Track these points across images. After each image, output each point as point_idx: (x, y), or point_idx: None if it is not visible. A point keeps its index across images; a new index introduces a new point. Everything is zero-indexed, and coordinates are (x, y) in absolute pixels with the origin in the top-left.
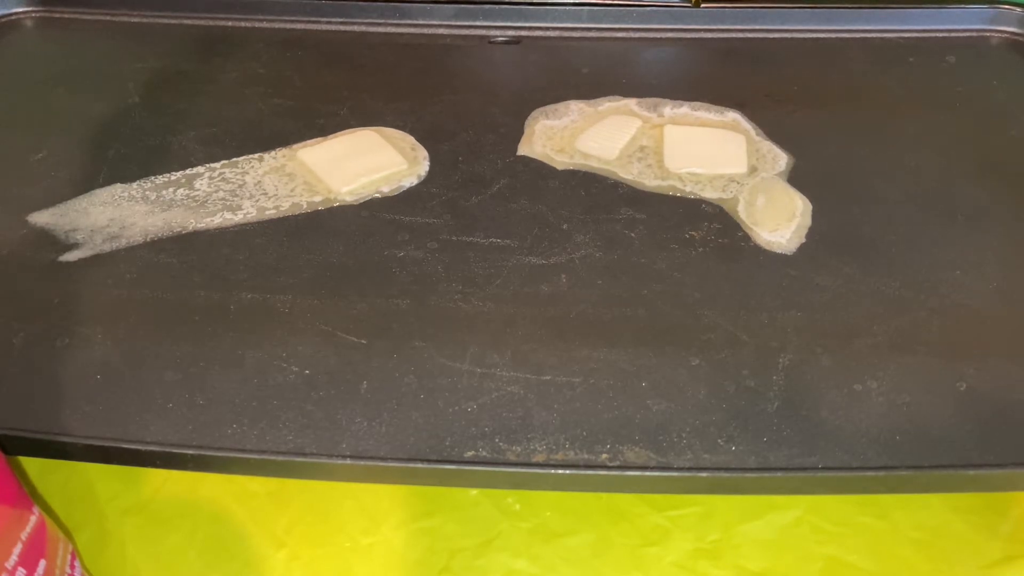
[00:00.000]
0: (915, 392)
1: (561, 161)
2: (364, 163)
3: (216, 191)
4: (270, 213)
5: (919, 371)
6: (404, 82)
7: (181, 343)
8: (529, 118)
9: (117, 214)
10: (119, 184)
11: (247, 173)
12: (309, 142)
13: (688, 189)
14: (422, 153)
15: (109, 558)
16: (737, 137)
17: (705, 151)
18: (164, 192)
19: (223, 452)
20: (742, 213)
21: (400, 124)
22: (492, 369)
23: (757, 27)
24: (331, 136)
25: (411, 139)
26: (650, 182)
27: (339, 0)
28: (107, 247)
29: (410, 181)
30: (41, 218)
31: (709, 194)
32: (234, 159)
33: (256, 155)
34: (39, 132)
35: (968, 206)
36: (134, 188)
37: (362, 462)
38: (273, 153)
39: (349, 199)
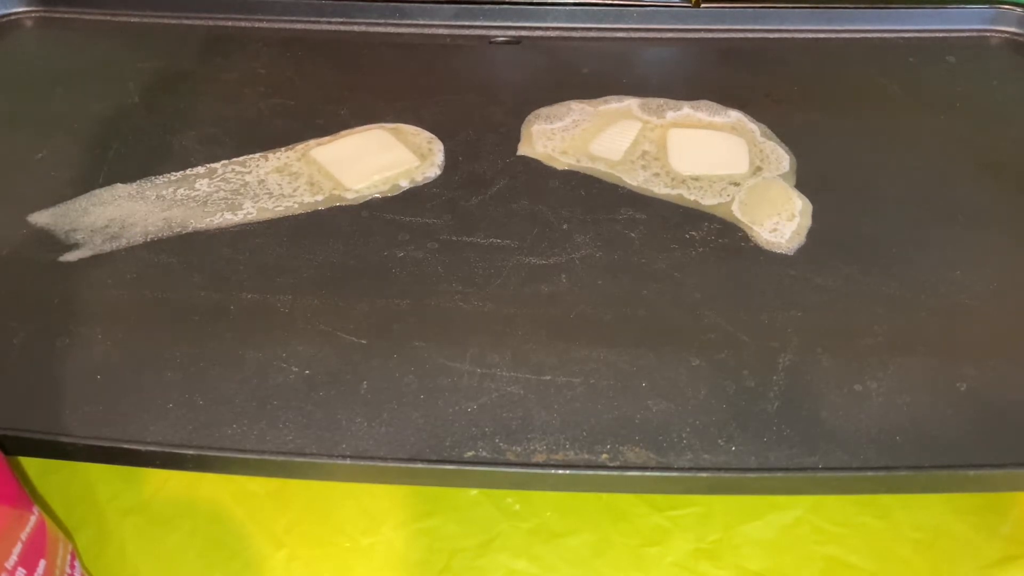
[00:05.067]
0: (915, 392)
1: (563, 162)
2: (378, 161)
3: (217, 191)
4: (271, 213)
5: (919, 371)
6: (404, 82)
7: (181, 343)
8: (529, 118)
9: (117, 214)
10: (119, 184)
11: (248, 173)
12: (319, 140)
13: (693, 197)
14: (438, 147)
15: (109, 558)
16: (739, 139)
17: (709, 154)
18: (164, 192)
19: (223, 452)
20: (742, 213)
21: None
22: (492, 369)
23: (757, 27)
24: (342, 134)
25: (426, 134)
26: (659, 190)
27: (339, 0)
28: (107, 247)
29: (434, 172)
30: (41, 218)
31: (712, 195)
32: (235, 158)
33: (258, 154)
34: (39, 132)
35: (968, 206)
36: (134, 188)
37: (362, 462)
38: (276, 152)
39: (351, 197)
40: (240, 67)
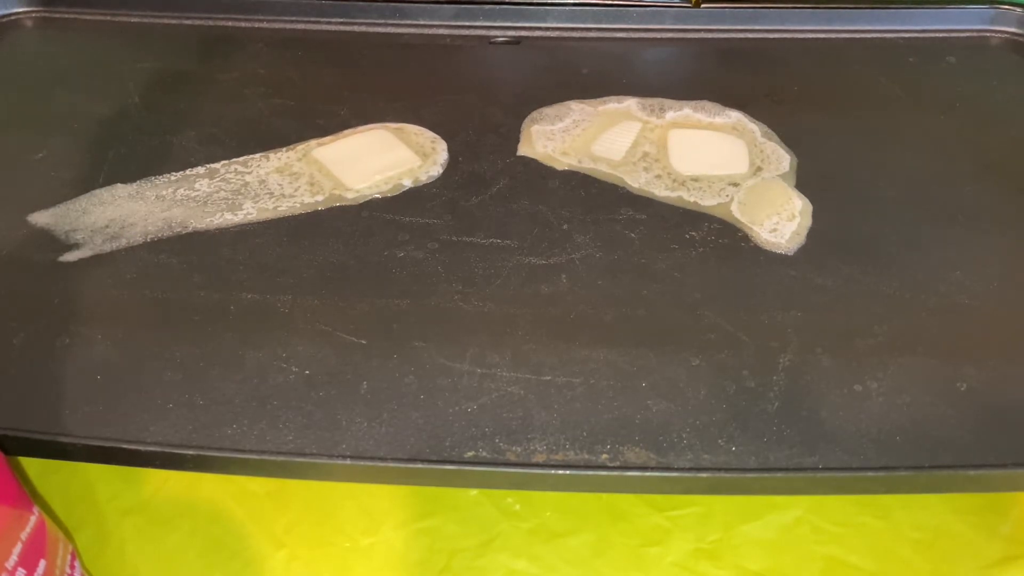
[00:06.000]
0: (915, 392)
1: (564, 163)
2: (380, 161)
3: (217, 191)
4: (271, 213)
5: (919, 371)
6: (404, 82)
7: (181, 343)
8: (529, 118)
9: (117, 214)
10: (119, 184)
11: (249, 173)
12: (320, 140)
13: (692, 199)
14: (441, 146)
15: (109, 558)
16: (740, 139)
17: (709, 155)
18: (164, 192)
19: (223, 452)
20: (741, 213)
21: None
22: (492, 369)
23: (757, 27)
24: (344, 133)
25: (430, 134)
26: (660, 192)
27: (339, 0)
28: (107, 247)
29: (437, 171)
30: (41, 218)
31: (711, 196)
32: (236, 158)
33: (259, 154)
34: (39, 132)
35: (968, 206)
36: (134, 188)
37: (362, 462)
38: (277, 152)
39: (352, 197)
40: (240, 67)
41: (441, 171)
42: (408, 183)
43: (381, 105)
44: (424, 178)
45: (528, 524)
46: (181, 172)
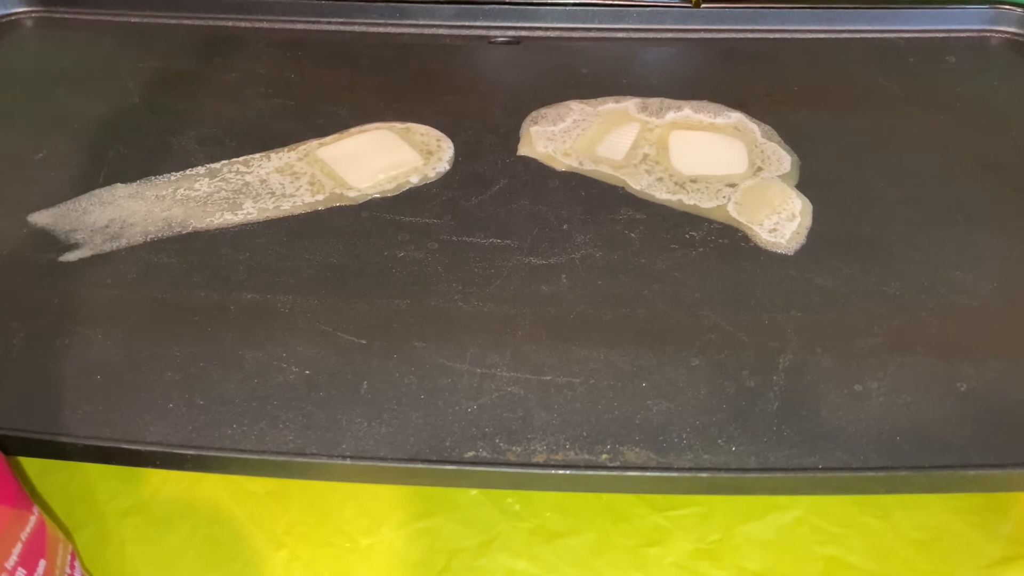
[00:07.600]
0: (915, 392)
1: (564, 163)
2: (383, 160)
3: (217, 191)
4: (271, 213)
5: (919, 371)
6: (404, 82)
7: (181, 343)
8: (529, 118)
9: (117, 214)
10: (119, 184)
11: (249, 173)
12: (322, 140)
13: (692, 201)
14: (447, 145)
15: (109, 558)
16: (740, 140)
17: (710, 156)
18: (164, 192)
19: (223, 452)
20: (739, 214)
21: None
22: (492, 369)
23: (757, 27)
24: (351, 131)
25: (436, 133)
26: (660, 195)
27: (339, 0)
28: (107, 247)
29: (443, 168)
30: (41, 218)
31: (711, 197)
32: (236, 158)
33: (259, 154)
34: (39, 132)
35: (968, 206)
36: (134, 188)
37: (362, 462)
38: (278, 152)
39: (353, 196)
40: (240, 67)
41: (448, 168)
42: (415, 180)
43: (381, 105)
44: (432, 175)
45: (528, 524)
46: (181, 172)
